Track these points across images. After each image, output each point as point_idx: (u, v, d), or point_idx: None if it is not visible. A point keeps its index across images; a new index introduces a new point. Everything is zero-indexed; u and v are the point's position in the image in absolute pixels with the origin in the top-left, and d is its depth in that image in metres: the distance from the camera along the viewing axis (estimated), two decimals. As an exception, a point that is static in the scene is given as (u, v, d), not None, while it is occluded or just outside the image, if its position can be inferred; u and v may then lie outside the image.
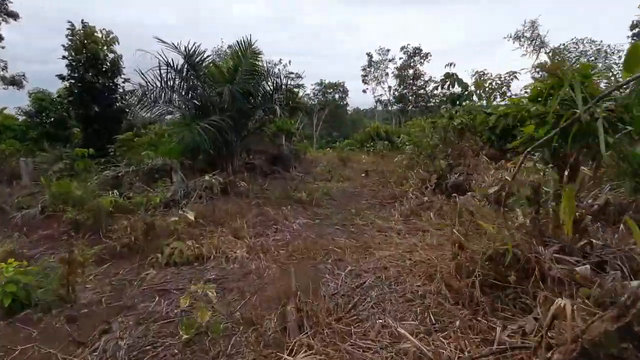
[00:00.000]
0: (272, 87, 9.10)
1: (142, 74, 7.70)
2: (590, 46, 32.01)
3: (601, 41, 31.45)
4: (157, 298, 3.30)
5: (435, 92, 31.46)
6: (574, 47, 32.49)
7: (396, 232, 4.78)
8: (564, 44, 32.53)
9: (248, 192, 7.30)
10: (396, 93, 32.26)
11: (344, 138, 34.42)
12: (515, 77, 8.94)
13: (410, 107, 31.84)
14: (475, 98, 10.14)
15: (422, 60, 30.36)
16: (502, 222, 3.65)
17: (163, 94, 7.95)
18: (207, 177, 6.87)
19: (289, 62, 32.63)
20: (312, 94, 38.78)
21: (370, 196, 7.37)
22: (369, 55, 34.62)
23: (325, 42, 71.45)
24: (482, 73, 9.77)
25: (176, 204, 6.38)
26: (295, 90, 9.71)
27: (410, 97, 31.69)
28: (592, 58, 32.31)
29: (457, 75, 10.05)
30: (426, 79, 30.70)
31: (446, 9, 65.01)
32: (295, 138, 15.71)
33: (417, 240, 4.30)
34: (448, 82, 10.28)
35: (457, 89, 10.45)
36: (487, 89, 9.54)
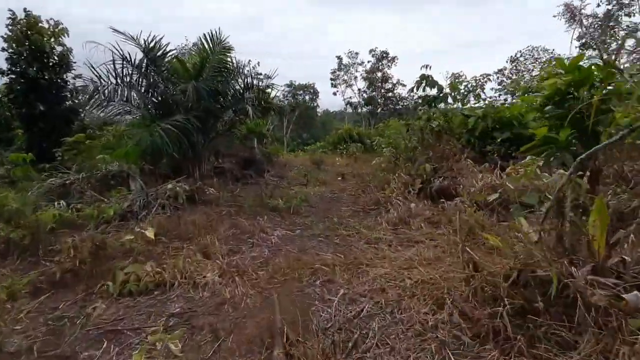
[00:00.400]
0: (243, 86, 8.40)
1: (93, 67, 6.74)
2: (544, 54, 33.87)
3: (553, 50, 33.34)
4: (105, 343, 2.59)
5: (404, 94, 31.97)
6: (529, 55, 34.26)
7: (387, 244, 4.31)
8: (520, 51, 34.22)
9: (218, 200, 6.57)
10: (365, 95, 32.36)
11: (315, 140, 34.00)
12: (489, 79, 8.87)
13: (379, 110, 32.03)
14: (450, 100, 10.01)
15: (390, 64, 30.67)
16: (509, 235, 3.27)
17: (119, 91, 7.01)
18: (170, 185, 6.07)
19: (258, 63, 31.76)
20: (282, 96, 38.04)
21: (351, 202, 6.90)
22: (339, 58, 34.53)
23: (295, 44, 70.98)
24: (457, 75, 9.63)
25: (134, 216, 5.54)
26: (268, 90, 9.05)
27: (379, 100, 31.88)
28: (545, 65, 34.26)
29: (432, 77, 9.87)
30: (394, 81, 31.07)
31: (415, 13, 66.59)
32: (267, 140, 15.01)
33: (412, 254, 3.84)
34: (423, 84, 10.08)
35: (432, 91, 10.29)
36: (462, 91, 9.41)
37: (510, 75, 34.13)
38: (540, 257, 2.38)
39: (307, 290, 3.23)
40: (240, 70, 8.59)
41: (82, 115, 10.65)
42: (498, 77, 34.18)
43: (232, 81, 8.10)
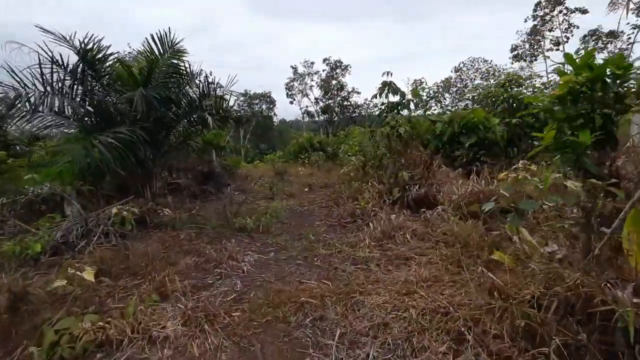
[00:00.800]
0: (199, 93, 7.59)
1: (13, 72, 5.59)
2: (484, 65, 36.42)
3: (491, 60, 35.96)
4: None
5: (359, 102, 32.47)
6: (471, 65, 36.63)
7: (375, 264, 3.85)
8: (462, 62, 36.47)
9: (175, 222, 5.71)
10: (322, 103, 32.38)
11: (273, 149, 33.23)
12: (451, 84, 8.93)
13: (336, 118, 32.17)
14: (412, 106, 9.99)
15: (344, 72, 31.04)
16: (515, 250, 2.96)
17: (47, 100, 5.89)
18: (115, 208, 5.13)
19: (210, 72, 30.56)
20: (237, 106, 36.84)
21: (325, 215, 6.40)
22: (294, 68, 34.33)
23: (247, 54, 69.76)
24: (419, 82, 9.64)
25: (70, 248, 4.55)
26: (226, 96, 8.31)
27: (336, 108, 32.05)
28: (485, 75, 36.87)
29: (394, 84, 9.78)
30: (349, 89, 31.44)
31: (364, 24, 68.68)
32: (227, 152, 14.10)
33: (407, 275, 3.41)
34: (386, 91, 9.97)
35: (394, 98, 10.21)
36: (424, 97, 9.42)
37: (456, 84, 36.24)
38: (575, 279, 2.03)
39: (296, 334, 2.64)
40: (196, 77, 7.78)
41: (4, 129, 9.06)
42: (445, 85, 36.09)
43: (187, 88, 7.27)
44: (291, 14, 76.37)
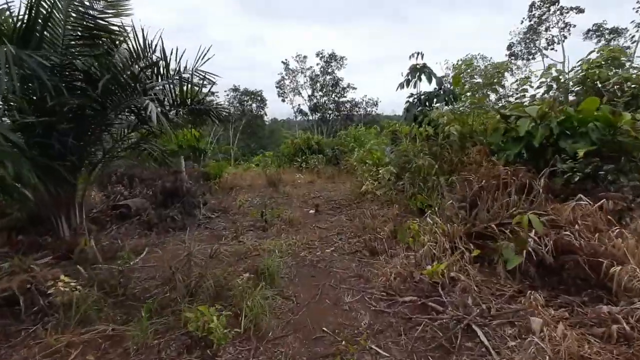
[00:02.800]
0: (151, 72, 4.66)
1: None
2: (482, 61, 34.09)
3: (491, 58, 33.67)
4: None
5: (357, 99, 29.60)
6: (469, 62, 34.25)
7: None
8: (461, 59, 34.05)
9: (69, 313, 2.82)
10: (315, 100, 29.46)
11: (263, 149, 30.23)
12: (510, 68, 6.28)
13: (331, 116, 29.40)
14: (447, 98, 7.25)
15: (339, 65, 28.17)
16: None
17: None
18: None
19: (176, 49, 27.29)
20: (226, 102, 33.63)
21: (355, 277, 3.58)
22: (285, 63, 31.26)
23: (237, 54, 66.24)
24: (464, 63, 6.92)
25: None
26: (198, 82, 5.37)
27: (331, 106, 29.24)
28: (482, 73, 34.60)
29: (429, 68, 7.03)
30: (344, 85, 28.65)
31: (354, 24, 65.77)
32: (206, 156, 11.13)
33: None
34: (415, 78, 7.21)
35: (428, 86, 7.48)
36: (467, 86, 6.75)
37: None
38: None
39: None
40: (148, 48, 4.80)
41: None
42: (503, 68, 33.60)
43: (124, 61, 4.31)
44: (279, 15, 72.82)
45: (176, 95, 5.25)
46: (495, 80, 5.96)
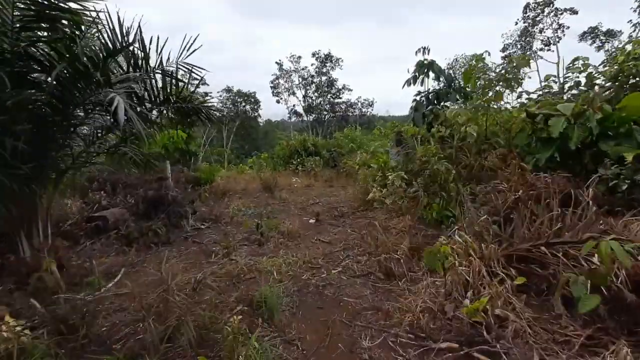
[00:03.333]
0: (131, 63, 3.96)
1: None
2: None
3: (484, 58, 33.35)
4: None
5: (353, 100, 28.99)
6: (464, 62, 33.98)
7: None
8: (455, 58, 33.76)
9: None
10: (310, 100, 28.79)
11: (258, 151, 29.50)
12: (529, 64, 5.70)
13: (327, 117, 28.76)
14: (457, 96, 6.65)
15: (335, 66, 27.56)
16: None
17: None
18: None
19: (157, 37, 26.52)
20: (220, 104, 32.82)
21: (372, 310, 2.93)
22: (279, 63, 30.55)
23: (231, 55, 65.25)
24: (475, 59, 6.33)
25: None
26: (185, 77, 4.69)
27: (326, 106, 28.60)
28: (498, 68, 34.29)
29: (436, 65, 6.44)
30: (339, 86, 28.03)
31: (347, 26, 65.25)
32: (197, 159, 10.41)
33: None
34: (423, 75, 6.61)
35: (436, 83, 6.89)
36: (485, 82, 6.14)
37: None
38: None
39: None
40: (123, 36, 4.08)
41: None
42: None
43: (94, 49, 3.61)
44: (273, 17, 72.01)
45: (158, 91, 4.57)
46: (512, 77, 5.36)
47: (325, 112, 28.70)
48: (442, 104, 6.39)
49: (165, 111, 5.11)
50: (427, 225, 4.52)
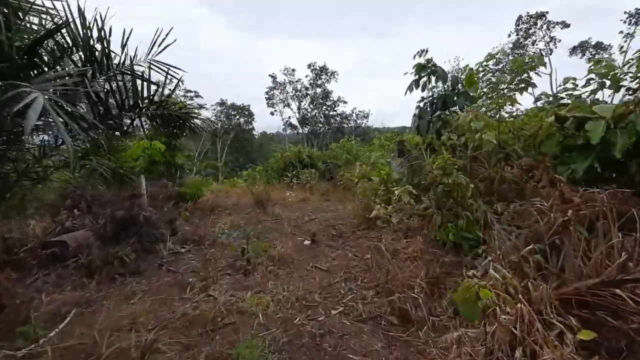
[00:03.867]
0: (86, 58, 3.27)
1: None
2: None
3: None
4: None
5: (348, 112, 28.50)
6: (456, 73, 33.96)
7: None
8: (448, 71, 33.73)
9: None
10: (305, 112, 28.27)
11: (252, 164, 28.80)
12: (544, 63, 5.11)
13: (322, 129, 28.22)
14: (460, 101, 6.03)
15: (330, 78, 27.19)
16: None
17: None
18: None
19: (182, 79, 26.04)
20: (214, 117, 32.27)
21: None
22: (273, 76, 30.18)
23: (226, 67, 65.17)
24: (489, 56, 5.75)
25: None
26: (159, 81, 4.00)
27: (321, 118, 28.11)
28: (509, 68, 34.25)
29: (437, 67, 5.86)
30: (335, 98, 27.62)
31: (338, 40, 65.69)
32: (184, 172, 9.66)
33: None
34: (425, 78, 6.01)
35: (437, 87, 6.30)
36: (493, 84, 5.55)
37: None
38: None
39: None
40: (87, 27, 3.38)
41: None
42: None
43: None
44: (268, 30, 72.38)
45: (126, 95, 3.88)
46: (524, 77, 4.76)
47: (320, 124, 28.19)
48: (448, 109, 5.77)
49: (137, 118, 4.41)
50: (442, 249, 3.80)
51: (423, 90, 6.08)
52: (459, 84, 5.77)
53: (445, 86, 5.92)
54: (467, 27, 63.61)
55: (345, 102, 27.23)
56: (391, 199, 4.69)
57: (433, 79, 5.94)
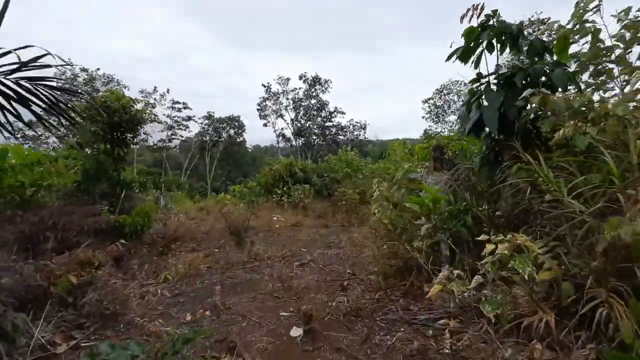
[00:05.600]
0: None
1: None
2: (465, 87, 32.30)
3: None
4: None
5: (344, 123, 26.14)
6: (453, 86, 32.33)
7: None
8: (444, 84, 32.09)
9: None
10: (299, 124, 26.00)
11: (245, 178, 26.34)
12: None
13: (316, 141, 25.99)
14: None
15: (324, 88, 25.11)
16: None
17: None
18: None
19: (167, 90, 23.96)
20: (201, 129, 29.89)
21: None
22: (266, 86, 28.05)
23: (217, 82, 63.40)
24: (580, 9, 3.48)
25: None
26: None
27: (315, 130, 25.91)
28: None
29: (514, 25, 3.55)
30: (331, 109, 25.50)
31: (328, 57, 64.34)
32: (130, 188, 7.16)
33: None
34: (483, 46, 3.70)
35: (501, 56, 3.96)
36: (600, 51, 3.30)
37: (439, 103, 31.64)
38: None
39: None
40: None
41: None
42: (429, 107, 31.42)
43: None
44: (259, 47, 71.00)
45: None
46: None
47: (314, 136, 25.97)
48: (539, 90, 3.42)
49: None
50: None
51: (477, 66, 3.76)
52: (546, 52, 3.46)
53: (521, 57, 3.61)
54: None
55: (343, 113, 25.09)
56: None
57: (497, 47, 3.61)
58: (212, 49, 66.31)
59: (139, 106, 6.25)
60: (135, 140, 6.30)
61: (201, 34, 70.64)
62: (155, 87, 24.00)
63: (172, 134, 26.49)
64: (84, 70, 22.63)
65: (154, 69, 53.50)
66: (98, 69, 22.98)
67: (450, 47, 3.92)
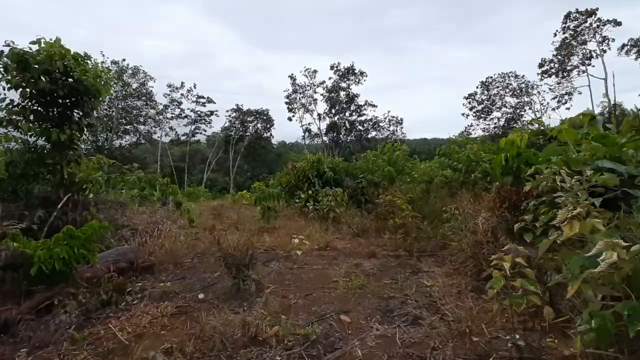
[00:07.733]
0: None
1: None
2: (514, 80, 28.25)
3: (523, 75, 27.80)
4: None
5: (379, 117, 23.29)
6: (501, 80, 28.39)
7: None
8: (491, 77, 28.17)
9: None
10: (328, 119, 23.40)
11: (269, 174, 24.25)
12: None
13: (345, 138, 23.30)
14: None
15: (357, 80, 22.22)
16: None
17: None
18: None
19: (194, 85, 22.39)
20: (227, 122, 28.14)
21: None
22: (292, 77, 25.62)
23: (245, 82, 62.90)
24: None
25: None
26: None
27: (344, 125, 23.19)
28: (517, 91, 28.52)
29: None
30: (361, 102, 22.63)
31: (354, 57, 60.99)
32: (97, 194, 4.88)
33: None
34: None
35: None
36: None
37: (482, 99, 27.80)
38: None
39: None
40: None
41: None
42: (470, 102, 27.68)
43: None
44: (284, 48, 69.40)
45: None
46: None
47: (343, 131, 23.24)
48: None
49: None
50: None
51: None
52: None
53: None
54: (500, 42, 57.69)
55: (375, 106, 22.09)
56: None
57: None
58: (237, 48, 65.76)
59: (93, 68, 3.96)
60: (88, 120, 4.02)
61: (227, 32, 70.25)
62: (182, 82, 22.53)
63: (195, 128, 24.96)
64: (114, 62, 21.46)
65: (179, 67, 53.77)
66: (124, 59, 21.71)
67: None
